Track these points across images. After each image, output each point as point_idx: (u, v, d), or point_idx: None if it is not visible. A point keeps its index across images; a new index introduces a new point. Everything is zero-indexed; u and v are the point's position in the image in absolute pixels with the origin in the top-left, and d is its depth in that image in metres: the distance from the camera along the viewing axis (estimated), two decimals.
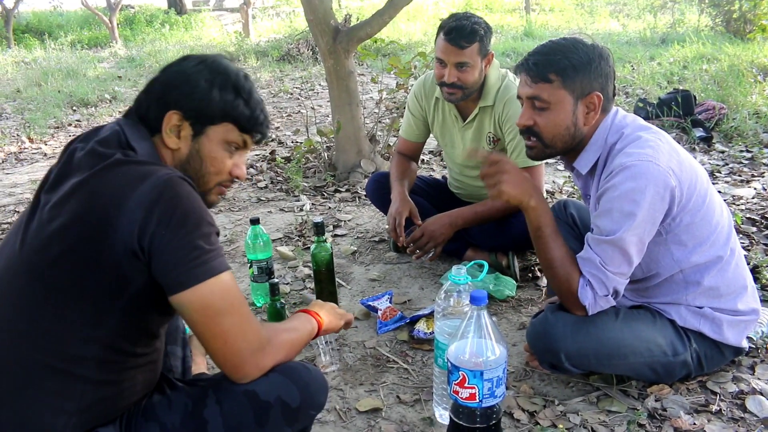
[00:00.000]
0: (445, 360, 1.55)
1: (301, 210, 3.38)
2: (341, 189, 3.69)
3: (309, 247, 2.88)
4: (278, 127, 5.53)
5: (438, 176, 3.23)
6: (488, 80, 2.42)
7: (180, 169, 1.28)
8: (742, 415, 1.64)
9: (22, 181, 4.36)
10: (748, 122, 4.42)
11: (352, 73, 3.76)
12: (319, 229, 2.21)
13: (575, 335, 1.63)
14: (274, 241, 3.00)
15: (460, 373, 1.40)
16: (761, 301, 2.07)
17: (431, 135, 2.74)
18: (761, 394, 1.71)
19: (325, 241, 2.22)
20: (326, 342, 1.89)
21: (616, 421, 1.65)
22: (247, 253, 2.34)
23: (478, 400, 1.40)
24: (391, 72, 4.05)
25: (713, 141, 4.28)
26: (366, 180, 3.76)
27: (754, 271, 2.29)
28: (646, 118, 4.63)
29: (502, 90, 2.41)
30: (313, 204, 3.47)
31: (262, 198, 3.61)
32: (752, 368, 1.83)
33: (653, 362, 1.69)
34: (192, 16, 17.37)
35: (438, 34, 2.35)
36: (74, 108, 7.04)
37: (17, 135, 5.75)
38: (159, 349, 1.33)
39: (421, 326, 2.09)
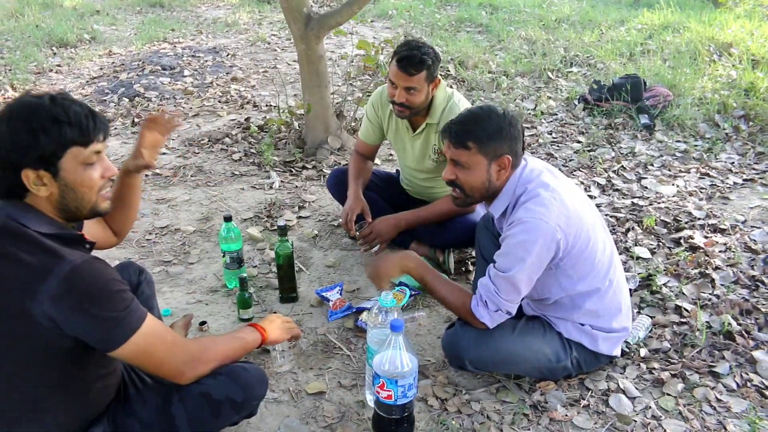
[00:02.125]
0: (371, 364, 1.99)
1: (271, 188, 3.74)
2: (308, 166, 4.04)
3: (276, 229, 3.27)
4: (254, 86, 5.78)
5: (392, 170, 3.59)
6: (435, 100, 2.76)
7: (61, 207, 1.47)
8: (604, 410, 2.11)
9: None
10: (689, 111, 4.77)
11: (322, 57, 4.04)
12: (282, 231, 2.59)
13: (477, 346, 2.07)
14: (245, 220, 3.38)
15: (380, 379, 1.83)
16: (648, 307, 2.55)
17: (386, 139, 3.09)
18: (623, 392, 2.18)
19: (287, 241, 2.61)
20: (281, 349, 2.29)
21: (507, 410, 2.11)
22: (221, 245, 2.71)
23: (393, 400, 1.84)
24: (360, 50, 4.32)
25: (655, 129, 4.64)
26: (331, 156, 4.12)
27: (648, 278, 2.74)
28: (598, 101, 5.01)
29: (447, 110, 2.75)
30: (282, 181, 3.82)
31: (236, 172, 3.95)
32: (624, 368, 2.29)
33: (540, 367, 2.14)
34: None
35: (392, 59, 2.67)
36: (54, 50, 7.15)
37: (1, 82, 5.92)
38: (115, 370, 1.68)
39: (364, 318, 2.52)
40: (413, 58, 2.60)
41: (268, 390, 1.86)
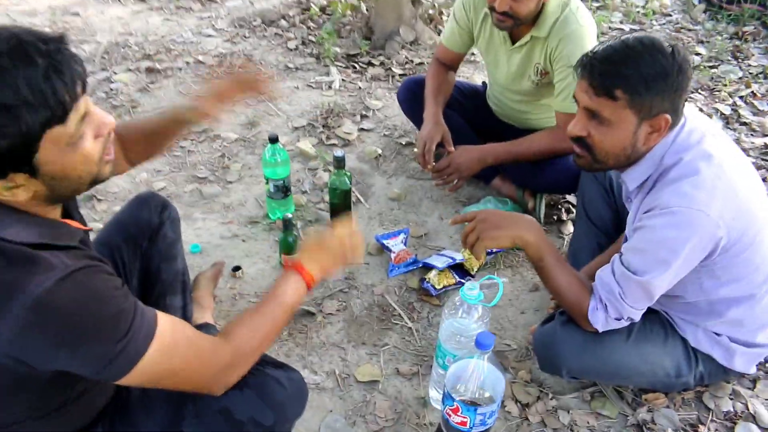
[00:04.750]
0: (445, 363, 1.56)
1: (330, 87, 3.20)
2: (375, 62, 3.45)
3: (333, 144, 2.78)
4: None
5: (477, 81, 2.98)
6: (546, 8, 2.12)
7: (52, 197, 1.04)
8: None
9: None
10: None
11: None
12: (339, 162, 2.10)
13: (581, 355, 1.60)
14: (296, 129, 2.88)
15: (454, 402, 1.40)
16: None
17: (474, 48, 2.49)
18: (754, 418, 1.72)
19: (345, 174, 2.12)
20: None
21: (603, 428, 1.69)
22: (264, 170, 2.25)
23: (468, 428, 1.43)
24: None
25: None
26: (403, 51, 3.52)
27: None
28: (726, 2, 4.16)
29: (560, 22, 2.12)
30: (343, 80, 3.27)
31: (290, 65, 3.40)
32: (754, 383, 1.81)
33: (655, 382, 1.68)
34: None
35: None
36: None
37: None
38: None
39: (432, 279, 2.07)
40: None
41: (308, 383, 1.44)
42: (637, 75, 1.36)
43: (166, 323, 1.10)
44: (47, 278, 0.94)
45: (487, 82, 2.64)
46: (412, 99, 2.57)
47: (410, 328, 1.96)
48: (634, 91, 1.36)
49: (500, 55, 2.35)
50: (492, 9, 2.10)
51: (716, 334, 1.63)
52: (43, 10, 4.05)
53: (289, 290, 1.32)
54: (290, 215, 2.05)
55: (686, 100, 1.44)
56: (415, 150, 2.45)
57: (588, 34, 2.13)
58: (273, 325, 1.28)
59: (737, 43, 3.82)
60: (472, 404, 1.38)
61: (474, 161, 2.29)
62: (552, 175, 2.28)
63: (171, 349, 1.10)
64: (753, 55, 3.71)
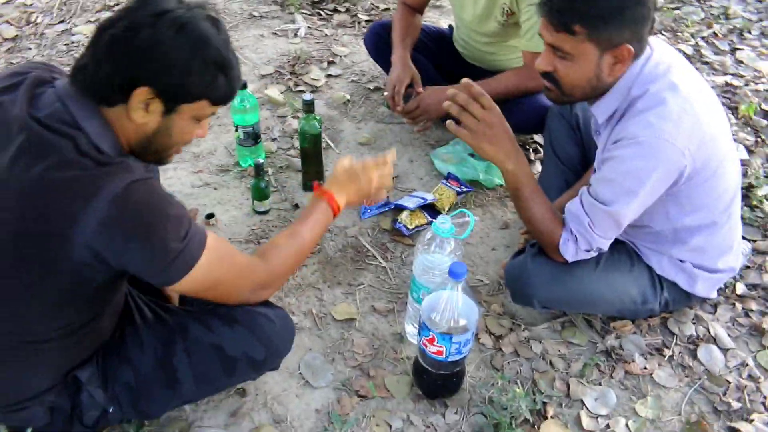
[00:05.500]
0: (420, 297, 1.60)
1: (296, 35, 3.15)
2: (340, 8, 3.40)
3: (301, 91, 2.75)
4: None
5: (444, 25, 2.96)
6: None
7: (144, 143, 1.19)
8: (691, 364, 1.74)
9: None
10: None
11: None
12: (308, 106, 2.09)
13: (551, 285, 1.65)
14: (263, 77, 2.85)
15: (430, 333, 1.45)
16: (746, 226, 2.08)
17: None
18: (714, 340, 1.80)
19: (315, 118, 2.11)
20: None
21: (574, 356, 1.75)
22: (233, 116, 2.23)
23: (444, 356, 1.47)
24: None
25: None
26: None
27: (748, 189, 2.25)
28: None
29: None
30: (309, 27, 3.22)
31: (255, 13, 3.33)
32: (715, 307, 1.89)
33: (622, 309, 1.75)
34: None
35: None
36: None
37: None
38: (122, 292, 1.35)
39: (404, 220, 2.10)
40: None
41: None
42: (593, 7, 1.37)
43: (213, 237, 1.21)
44: (125, 179, 1.07)
45: (453, 25, 2.63)
46: (379, 43, 2.54)
47: (384, 267, 1.99)
48: (592, 24, 1.38)
49: None
50: None
51: (680, 261, 1.69)
52: None
53: (319, 216, 1.43)
54: (261, 161, 2.05)
55: (651, 31, 1.46)
56: (385, 94, 2.44)
57: None
58: (302, 248, 1.39)
59: None
60: (447, 333, 1.43)
61: (443, 101, 2.29)
62: (519, 116, 2.28)
63: (218, 260, 1.21)
64: None
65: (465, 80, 1.60)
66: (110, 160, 1.10)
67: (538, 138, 2.50)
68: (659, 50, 1.50)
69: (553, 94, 1.55)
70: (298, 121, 2.19)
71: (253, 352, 1.34)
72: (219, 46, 1.14)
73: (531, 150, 2.48)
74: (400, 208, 2.15)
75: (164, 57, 1.09)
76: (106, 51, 1.09)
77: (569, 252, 1.59)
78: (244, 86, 2.16)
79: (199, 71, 1.12)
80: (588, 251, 1.59)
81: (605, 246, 1.59)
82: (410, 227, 2.08)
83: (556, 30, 1.41)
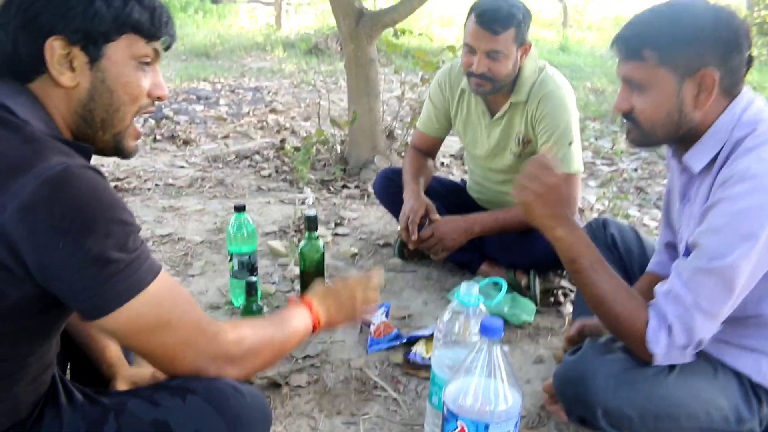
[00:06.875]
0: (441, 400, 1.23)
1: (303, 203, 3.07)
2: (350, 185, 3.37)
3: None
4: (294, 117, 5.23)
5: (456, 179, 2.90)
6: (523, 73, 2.09)
7: (83, 112, 0.98)
8: None
9: None
10: None
11: (374, 61, 3.45)
12: (311, 223, 1.90)
13: (619, 389, 1.27)
14: (267, 234, 2.69)
15: (458, 422, 1.07)
16: None
17: (452, 131, 2.42)
18: None
19: (317, 238, 1.91)
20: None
21: None
22: (228, 245, 2.03)
23: None
24: (416, 66, 3.73)
25: None
26: None
27: None
28: None
29: (537, 85, 2.08)
30: (317, 198, 3.16)
31: (263, 187, 3.30)
32: None
33: (711, 429, 1.33)
34: (226, 6, 17.24)
35: (468, 16, 2.03)
36: None
37: None
38: (50, 350, 1.03)
39: (419, 348, 1.77)
40: (499, 11, 1.95)
41: None
42: (662, 31, 1.24)
43: (167, 274, 0.97)
44: (63, 161, 0.85)
45: (467, 175, 2.55)
46: (389, 187, 2.43)
47: (395, 399, 1.62)
48: (662, 47, 1.24)
49: (479, 132, 2.28)
50: (470, 74, 2.05)
51: None
52: None
53: (297, 318, 1.19)
54: (254, 279, 1.79)
55: (749, 65, 1.30)
56: (396, 228, 2.26)
57: (566, 94, 2.09)
58: (278, 336, 1.12)
59: None
60: (482, 420, 1.06)
61: (460, 230, 2.11)
62: (542, 244, 2.06)
63: (171, 298, 0.95)
64: None
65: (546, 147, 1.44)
66: (44, 138, 0.89)
67: (566, 283, 2.24)
68: (756, 98, 1.33)
69: (632, 134, 1.36)
70: (300, 243, 1.98)
71: (209, 428, 0.98)
72: None
73: (560, 293, 2.21)
74: (412, 341, 1.83)
75: None
76: (4, 19, 0.94)
77: (660, 345, 1.24)
78: (242, 209, 2.00)
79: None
80: (685, 348, 1.25)
81: (708, 335, 1.24)
82: (427, 356, 1.74)
83: (626, 59, 1.28)
